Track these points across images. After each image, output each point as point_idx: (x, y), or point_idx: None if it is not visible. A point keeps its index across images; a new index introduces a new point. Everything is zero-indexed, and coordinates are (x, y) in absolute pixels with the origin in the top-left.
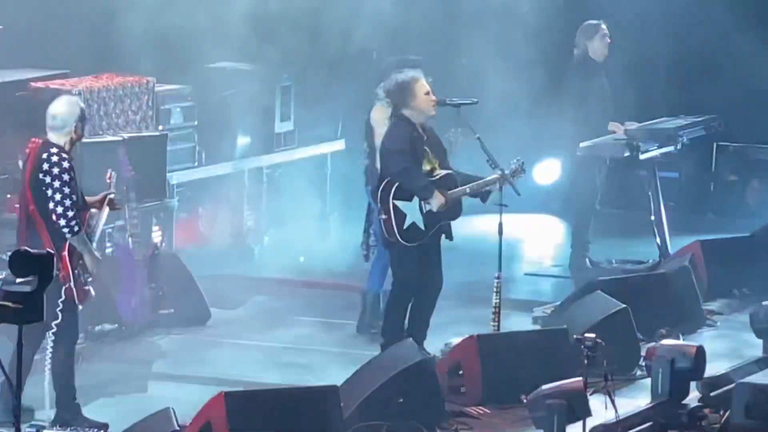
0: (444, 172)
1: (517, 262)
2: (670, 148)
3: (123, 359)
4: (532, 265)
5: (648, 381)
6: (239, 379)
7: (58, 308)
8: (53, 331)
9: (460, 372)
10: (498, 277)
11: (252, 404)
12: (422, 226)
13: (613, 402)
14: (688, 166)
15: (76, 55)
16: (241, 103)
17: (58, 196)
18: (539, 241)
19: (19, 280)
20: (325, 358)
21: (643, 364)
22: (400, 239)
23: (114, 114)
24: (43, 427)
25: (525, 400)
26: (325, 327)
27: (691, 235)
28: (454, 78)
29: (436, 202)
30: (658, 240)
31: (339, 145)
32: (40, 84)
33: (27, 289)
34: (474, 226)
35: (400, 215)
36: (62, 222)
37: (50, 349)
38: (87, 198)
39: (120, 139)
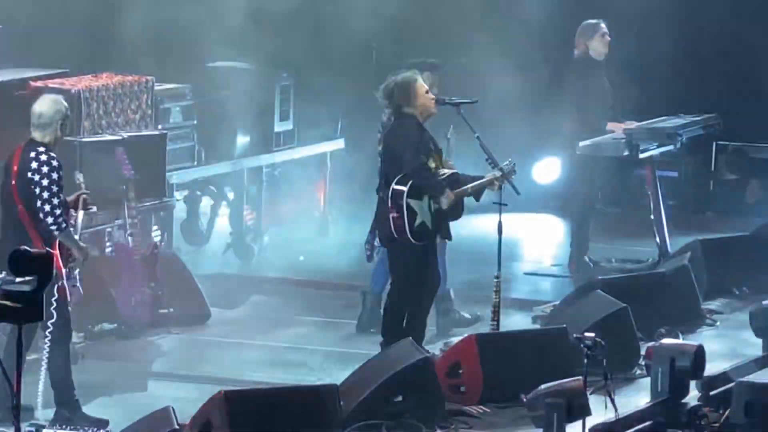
0: (449, 171)
1: (516, 262)
2: (670, 147)
3: (123, 358)
4: (531, 265)
5: (648, 380)
6: (239, 378)
7: (53, 307)
8: (49, 330)
9: (460, 371)
10: (498, 277)
11: (252, 403)
12: (431, 225)
13: (612, 401)
14: (688, 165)
15: (76, 54)
16: (241, 102)
17: (45, 194)
18: (539, 240)
19: (18, 279)
20: (325, 358)
21: (643, 363)
22: (411, 238)
23: (113, 113)
24: (43, 426)
25: (524, 399)
26: (325, 326)
27: (690, 235)
28: (454, 77)
29: (447, 200)
30: (657, 239)
31: (338, 143)
32: (39, 83)
33: (26, 288)
34: (474, 226)
35: (412, 213)
36: (50, 219)
37: (47, 349)
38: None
39: (119, 138)
